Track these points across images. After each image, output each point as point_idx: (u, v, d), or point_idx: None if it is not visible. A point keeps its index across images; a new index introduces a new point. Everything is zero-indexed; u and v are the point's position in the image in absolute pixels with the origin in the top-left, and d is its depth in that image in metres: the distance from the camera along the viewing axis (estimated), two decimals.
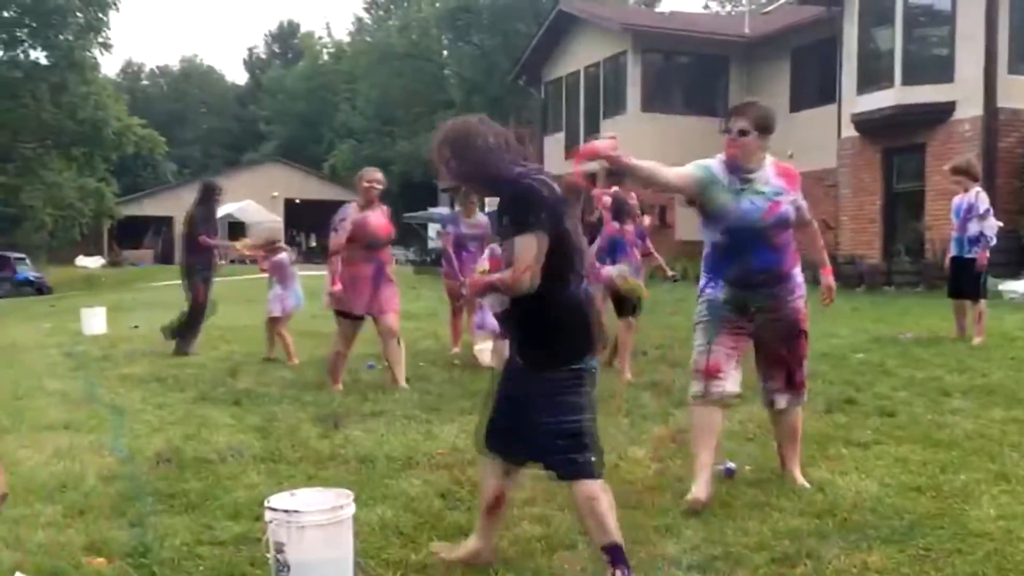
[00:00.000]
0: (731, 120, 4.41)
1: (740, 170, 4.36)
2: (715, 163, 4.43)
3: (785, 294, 4.49)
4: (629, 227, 8.21)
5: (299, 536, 3.35)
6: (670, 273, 9.31)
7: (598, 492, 3.41)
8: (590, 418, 3.46)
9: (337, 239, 7.53)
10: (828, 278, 4.83)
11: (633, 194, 8.23)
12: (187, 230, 10.29)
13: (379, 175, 7.79)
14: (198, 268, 10.17)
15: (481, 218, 9.66)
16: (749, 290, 4.47)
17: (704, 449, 4.48)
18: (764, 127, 4.36)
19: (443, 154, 3.52)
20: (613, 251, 8.09)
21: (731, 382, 4.55)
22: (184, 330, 10.11)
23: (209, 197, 10.30)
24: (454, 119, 3.67)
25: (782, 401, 4.69)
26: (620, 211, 8.16)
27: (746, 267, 4.43)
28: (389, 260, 7.87)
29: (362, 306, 7.59)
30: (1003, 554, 3.69)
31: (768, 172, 4.40)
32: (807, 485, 4.60)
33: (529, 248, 3.30)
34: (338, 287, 7.45)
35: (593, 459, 3.44)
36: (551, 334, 3.42)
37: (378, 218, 7.69)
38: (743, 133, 4.32)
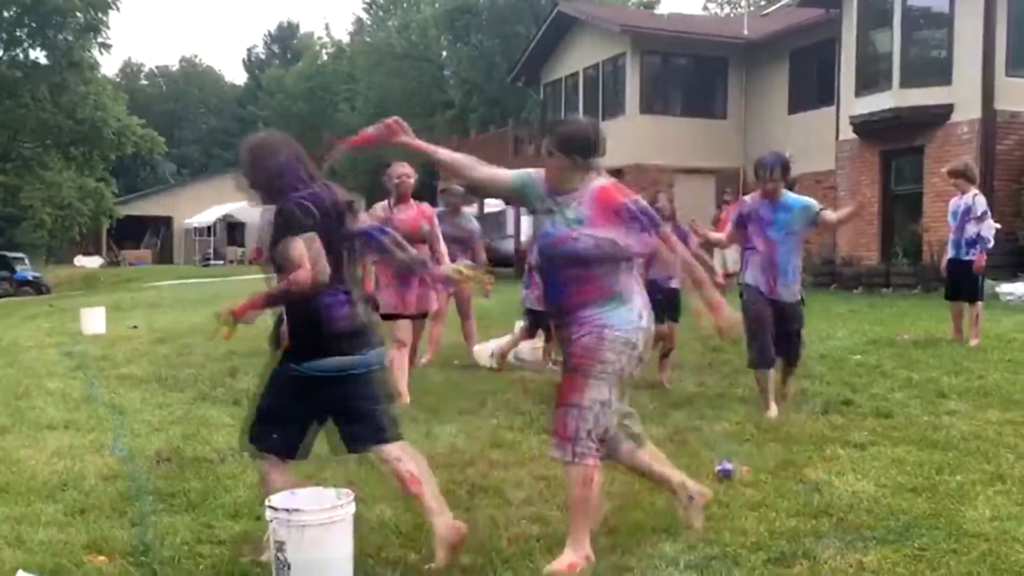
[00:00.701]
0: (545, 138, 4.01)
1: (554, 191, 3.89)
2: (540, 175, 3.97)
3: (571, 332, 3.82)
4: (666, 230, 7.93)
5: (300, 535, 3.38)
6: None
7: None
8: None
9: None
10: (714, 316, 3.97)
11: (662, 195, 8.01)
12: None
13: (407, 168, 7.28)
14: None
15: (468, 222, 9.37)
16: (552, 319, 4.26)
17: (659, 482, 4.17)
18: (568, 147, 3.82)
19: (243, 160, 3.87)
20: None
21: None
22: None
23: None
24: (264, 133, 4.05)
25: (552, 451, 3.86)
26: None
27: (545, 293, 4.11)
28: (433, 257, 7.15)
29: (398, 305, 7.08)
30: (998, 555, 3.71)
31: (583, 197, 3.81)
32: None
33: (298, 248, 3.61)
34: (370, 286, 7.05)
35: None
36: (293, 332, 3.77)
37: (407, 214, 7.19)
38: (549, 153, 3.88)
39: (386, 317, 7.17)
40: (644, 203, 3.87)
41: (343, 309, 3.77)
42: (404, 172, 7.25)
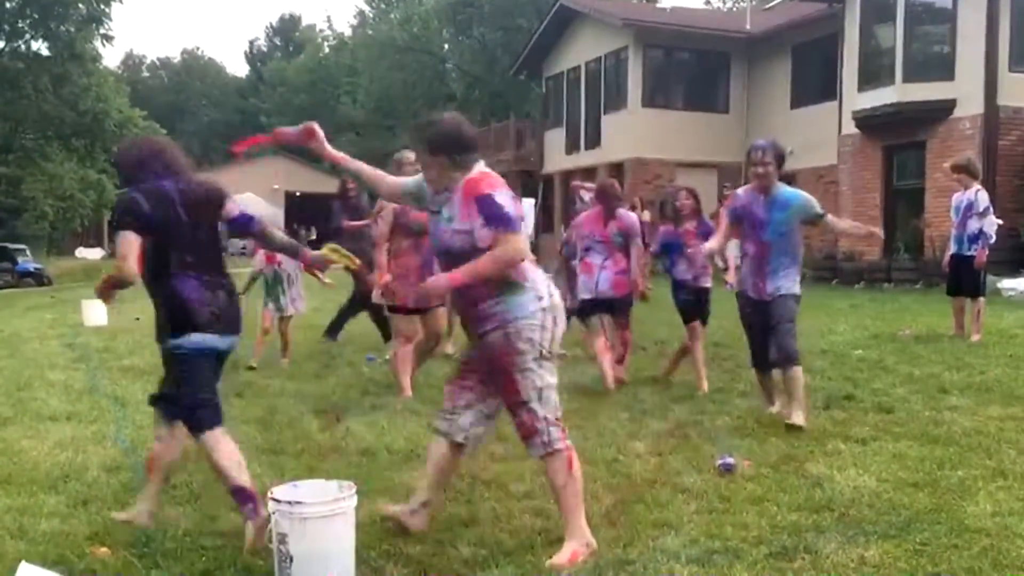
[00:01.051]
0: None
1: (435, 193, 3.93)
2: None
3: (476, 328, 3.86)
4: (689, 226, 7.71)
5: (302, 527, 3.38)
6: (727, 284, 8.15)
7: (211, 443, 4.03)
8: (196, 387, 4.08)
9: (381, 228, 7.03)
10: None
11: (683, 192, 7.94)
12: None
13: (414, 156, 7.31)
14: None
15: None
16: (459, 316, 4.22)
17: (422, 478, 4.17)
18: (437, 148, 3.82)
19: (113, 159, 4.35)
20: (669, 252, 7.79)
21: (463, 419, 3.99)
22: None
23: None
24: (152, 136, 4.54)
25: (530, 452, 3.92)
26: (663, 209, 8.07)
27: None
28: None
29: (414, 299, 6.88)
30: (999, 549, 3.71)
31: (455, 195, 3.83)
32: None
33: (119, 243, 4.03)
34: (387, 277, 6.99)
35: (202, 415, 4.08)
36: (158, 314, 4.12)
37: None
38: (420, 155, 3.94)
39: (393, 310, 7.17)
40: (505, 198, 3.77)
41: (196, 292, 4.06)
42: (414, 160, 7.13)
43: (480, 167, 3.88)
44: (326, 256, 4.48)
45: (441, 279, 3.85)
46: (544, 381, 3.80)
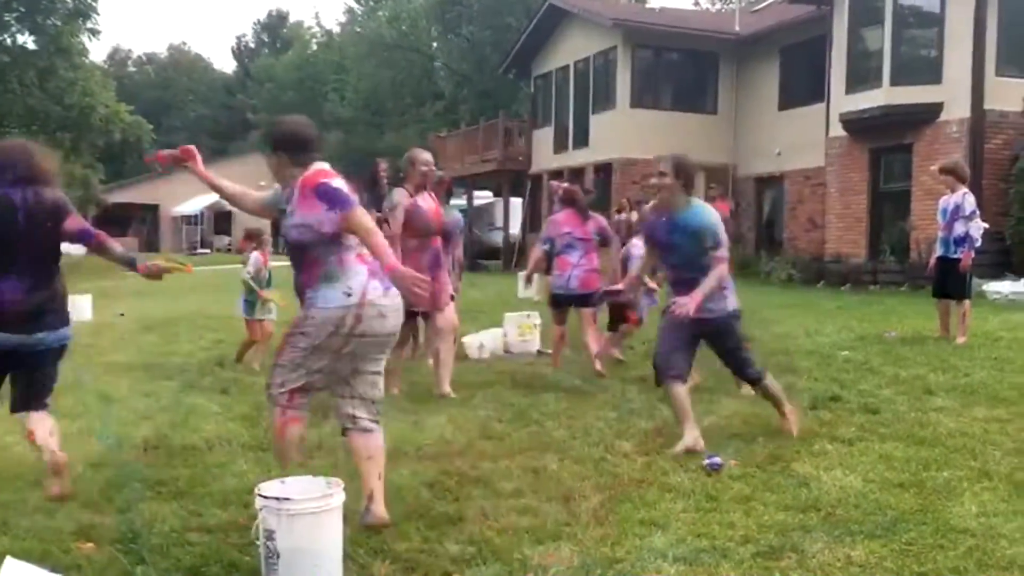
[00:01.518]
0: None
1: (282, 191, 4.26)
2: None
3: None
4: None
5: (289, 524, 3.37)
6: None
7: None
8: None
9: (392, 228, 6.79)
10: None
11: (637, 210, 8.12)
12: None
13: (429, 156, 7.17)
14: None
15: (451, 212, 8.32)
16: None
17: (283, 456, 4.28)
18: (278, 146, 4.20)
19: None
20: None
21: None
22: None
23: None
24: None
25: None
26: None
27: None
28: (444, 248, 7.43)
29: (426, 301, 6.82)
30: (984, 550, 3.73)
31: (294, 190, 4.11)
32: None
33: None
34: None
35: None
36: None
37: (428, 203, 7.11)
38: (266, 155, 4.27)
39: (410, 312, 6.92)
40: (340, 183, 4.07)
41: (10, 295, 4.48)
42: (431, 161, 7.14)
43: (318, 166, 4.15)
44: (161, 265, 4.75)
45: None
46: (300, 362, 4.07)
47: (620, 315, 8.82)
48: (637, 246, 8.30)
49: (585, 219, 8.40)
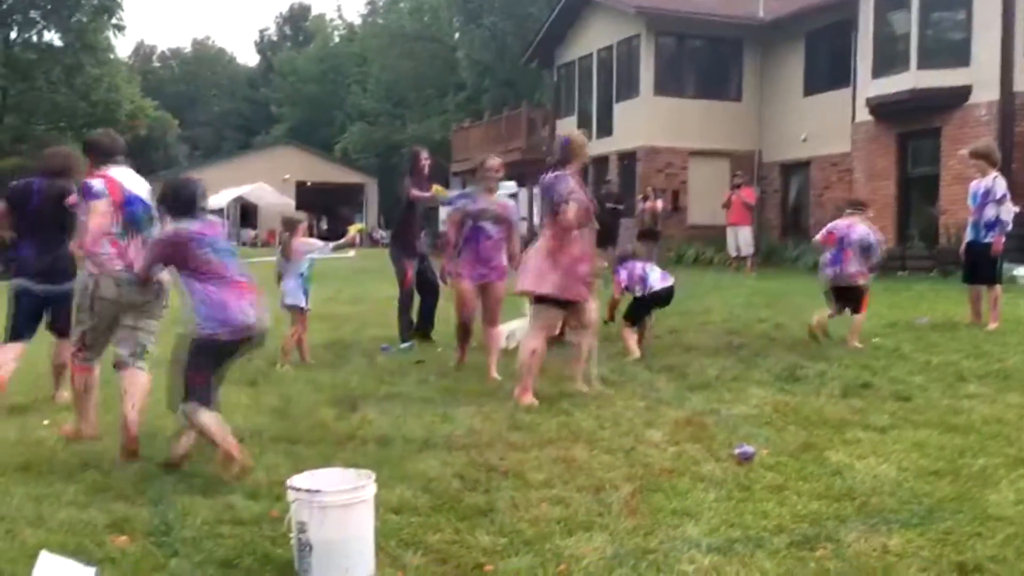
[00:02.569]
0: None
1: None
2: None
3: None
4: None
5: (321, 516, 3.37)
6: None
7: None
8: None
9: (568, 214, 6.39)
10: None
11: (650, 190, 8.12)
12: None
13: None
14: (402, 247, 9.49)
15: (506, 202, 7.94)
16: None
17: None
18: (84, 150, 5.64)
19: None
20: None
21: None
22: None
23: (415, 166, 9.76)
24: None
25: None
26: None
27: None
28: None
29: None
30: (1023, 538, 3.68)
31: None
32: None
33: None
34: (585, 267, 6.55)
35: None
36: None
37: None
38: None
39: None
40: (96, 181, 5.36)
41: (28, 251, 6.31)
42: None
43: (110, 170, 5.41)
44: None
45: None
46: (81, 321, 5.41)
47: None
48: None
49: None
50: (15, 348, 6.43)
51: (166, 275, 5.30)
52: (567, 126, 28.75)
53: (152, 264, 5.11)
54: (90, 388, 5.52)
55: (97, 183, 5.30)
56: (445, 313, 11.99)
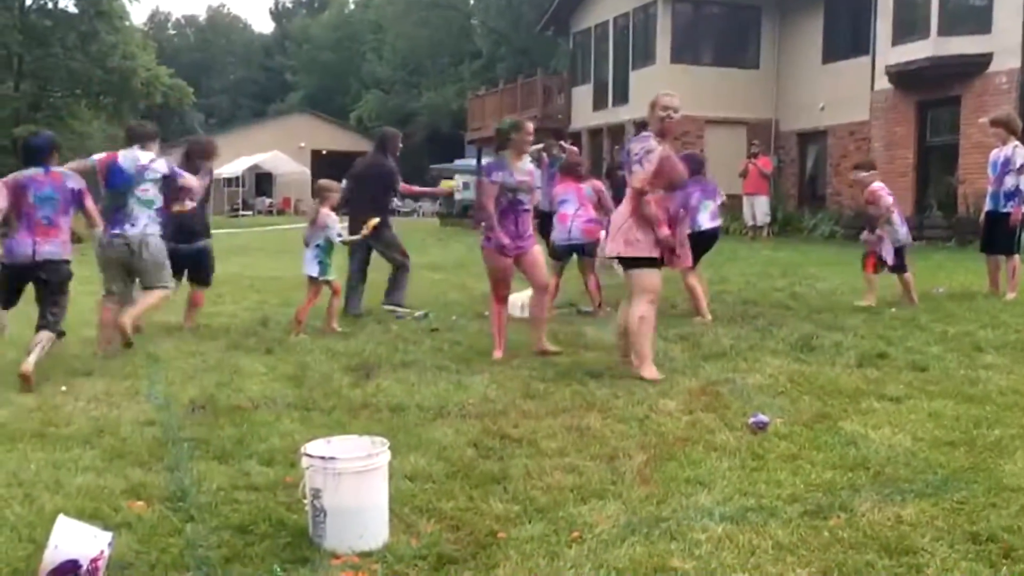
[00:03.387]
0: None
1: None
2: None
3: None
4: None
5: (336, 482, 3.39)
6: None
7: None
8: None
9: (644, 171, 6.12)
10: None
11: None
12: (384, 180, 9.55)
13: (673, 101, 6.39)
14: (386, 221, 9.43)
15: (530, 167, 7.43)
16: None
17: None
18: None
19: None
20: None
21: None
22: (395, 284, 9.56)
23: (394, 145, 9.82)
24: None
25: None
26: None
27: None
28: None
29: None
30: None
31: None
32: None
33: None
34: (666, 231, 6.15)
35: None
36: None
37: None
38: None
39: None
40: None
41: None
42: (672, 104, 6.40)
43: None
44: None
45: None
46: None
47: None
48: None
49: (580, 181, 9.15)
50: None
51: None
52: (583, 94, 28.60)
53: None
54: (105, 324, 7.22)
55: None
56: (458, 280, 12.00)
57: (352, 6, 67.41)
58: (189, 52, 71.98)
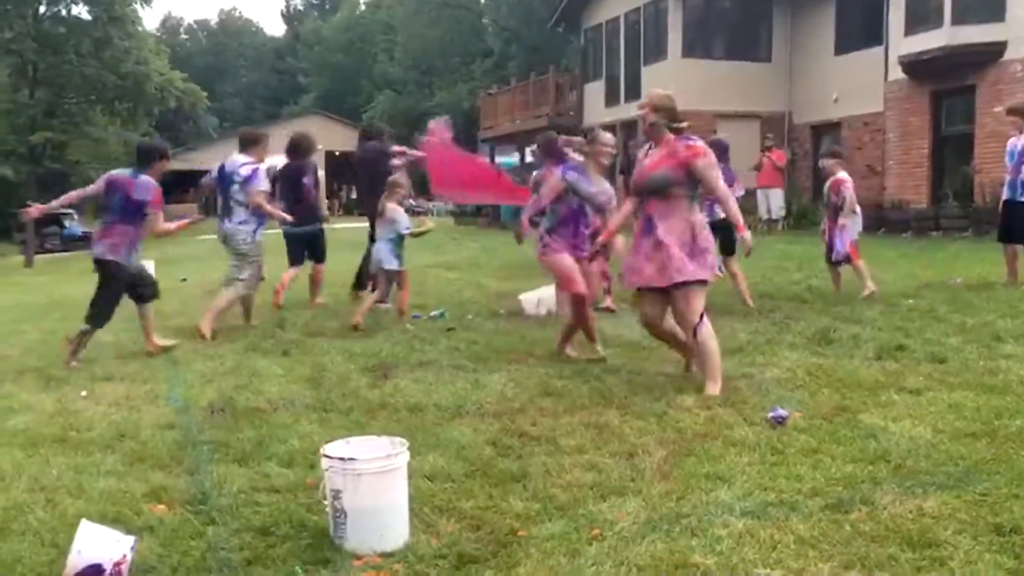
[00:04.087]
0: None
1: None
2: None
3: None
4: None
5: (355, 483, 3.40)
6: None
7: None
8: None
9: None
10: None
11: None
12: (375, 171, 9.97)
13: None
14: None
15: (607, 186, 6.94)
16: None
17: None
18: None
19: None
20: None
21: None
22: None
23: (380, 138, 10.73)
24: None
25: None
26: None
27: None
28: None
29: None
30: None
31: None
32: None
33: None
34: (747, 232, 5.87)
35: None
36: None
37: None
38: None
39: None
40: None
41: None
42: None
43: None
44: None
45: None
46: None
47: None
48: None
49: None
50: (293, 272, 10.01)
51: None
52: (594, 90, 28.56)
53: None
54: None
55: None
56: (473, 279, 12.00)
57: (363, 7, 67.51)
58: (202, 56, 72.25)
